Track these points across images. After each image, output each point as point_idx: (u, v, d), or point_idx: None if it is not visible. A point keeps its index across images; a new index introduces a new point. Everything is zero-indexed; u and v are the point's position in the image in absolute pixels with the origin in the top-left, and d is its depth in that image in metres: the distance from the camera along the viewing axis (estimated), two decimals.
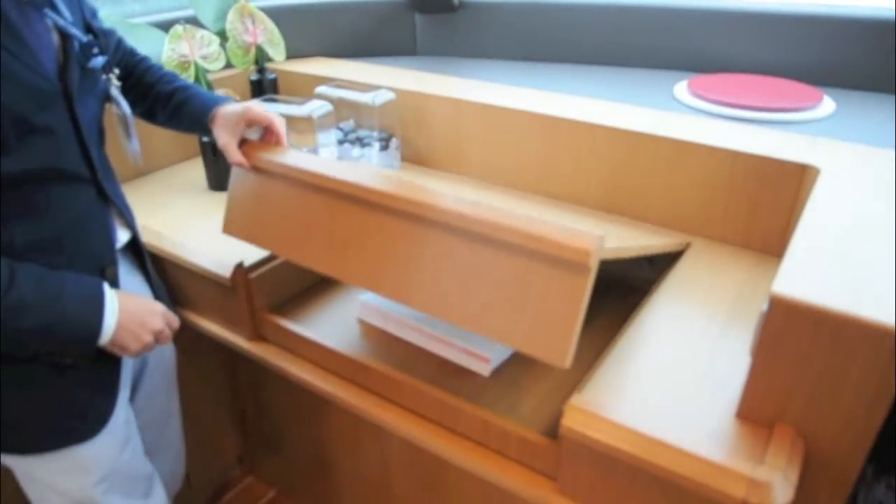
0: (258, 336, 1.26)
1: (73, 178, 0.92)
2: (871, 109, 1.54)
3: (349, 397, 1.13)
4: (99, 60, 0.95)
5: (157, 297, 1.15)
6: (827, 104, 1.54)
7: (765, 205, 1.20)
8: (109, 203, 1.01)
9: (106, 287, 0.95)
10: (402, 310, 1.20)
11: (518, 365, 1.12)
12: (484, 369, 1.10)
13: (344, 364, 1.14)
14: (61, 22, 0.89)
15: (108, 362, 1.00)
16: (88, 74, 0.94)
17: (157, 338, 1.02)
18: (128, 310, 0.96)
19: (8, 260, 0.85)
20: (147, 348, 1.00)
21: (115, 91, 1.02)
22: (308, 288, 1.34)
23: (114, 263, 1.01)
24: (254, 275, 1.21)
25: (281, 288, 1.29)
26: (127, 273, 1.07)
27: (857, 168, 1.11)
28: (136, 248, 1.11)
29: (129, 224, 1.08)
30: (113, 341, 0.95)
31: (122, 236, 1.06)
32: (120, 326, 0.95)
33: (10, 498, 1.36)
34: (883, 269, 0.80)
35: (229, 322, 1.26)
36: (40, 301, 0.86)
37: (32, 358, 0.93)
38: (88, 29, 0.96)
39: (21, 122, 0.82)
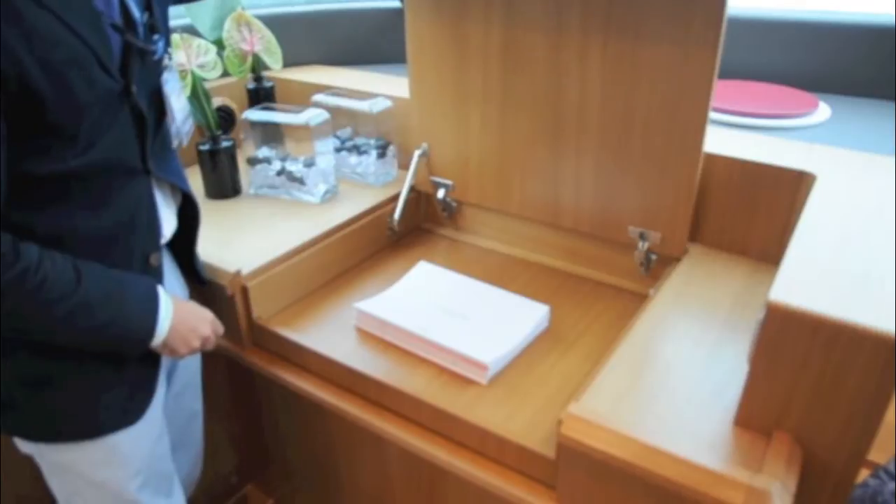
0: (255, 344, 1.26)
1: (130, 170, 0.95)
2: (866, 115, 1.54)
3: (346, 406, 1.13)
4: (160, 48, 0.97)
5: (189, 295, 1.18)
6: (822, 110, 1.55)
7: (761, 211, 1.20)
8: (161, 191, 1.03)
9: (161, 291, 0.98)
10: (397, 317, 1.20)
11: (516, 373, 1.12)
12: (482, 377, 1.10)
13: (340, 373, 1.14)
14: (132, 39, 0.90)
15: (151, 354, 1.02)
16: (148, 64, 0.96)
17: (204, 343, 1.05)
18: (180, 315, 1.00)
19: (73, 259, 0.87)
20: (193, 352, 1.04)
21: (167, 74, 1.02)
22: (306, 295, 1.34)
23: (158, 250, 1.02)
24: (251, 283, 1.21)
25: (278, 295, 1.29)
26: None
27: (853, 174, 1.11)
28: (173, 245, 1.12)
29: (190, 197, 1.10)
30: (164, 343, 0.98)
31: (167, 230, 1.06)
32: (172, 330, 0.98)
33: (8, 497, 1.36)
34: (879, 275, 0.81)
35: (226, 329, 1.26)
36: (102, 301, 0.89)
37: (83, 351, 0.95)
38: (147, 4, 0.96)
39: (94, 121, 0.85)
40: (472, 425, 1.01)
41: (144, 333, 0.95)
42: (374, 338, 1.22)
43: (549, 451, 0.94)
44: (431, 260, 1.40)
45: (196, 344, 1.03)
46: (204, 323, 1.05)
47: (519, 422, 1.02)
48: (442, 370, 1.13)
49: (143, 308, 0.95)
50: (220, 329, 1.10)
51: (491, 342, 1.14)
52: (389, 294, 1.29)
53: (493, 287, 1.30)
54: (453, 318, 1.21)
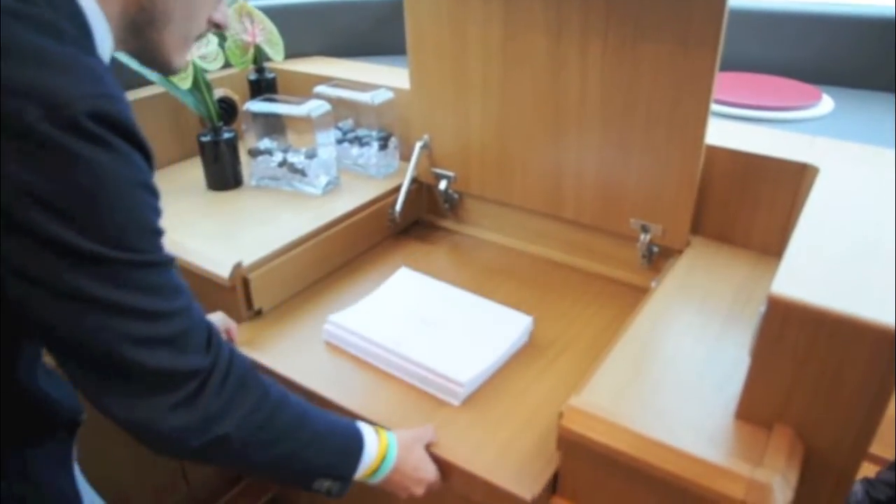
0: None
1: None
2: (869, 108, 1.54)
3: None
4: None
5: None
6: (825, 102, 1.54)
7: (764, 204, 1.20)
8: None
9: (367, 440, 0.88)
10: (370, 330, 1.15)
11: (490, 395, 1.06)
12: (454, 398, 1.05)
13: (304, 394, 1.06)
14: None
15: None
16: None
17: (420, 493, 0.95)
18: (399, 469, 0.91)
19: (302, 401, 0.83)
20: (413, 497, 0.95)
21: None
22: (307, 287, 1.34)
23: None
24: (252, 274, 1.21)
25: (279, 287, 1.29)
26: None
27: (856, 167, 1.11)
28: None
29: None
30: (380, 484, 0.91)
31: None
32: (386, 480, 0.90)
33: None
34: (882, 269, 0.80)
35: None
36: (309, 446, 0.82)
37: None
38: None
39: None
40: (435, 457, 0.95)
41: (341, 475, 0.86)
42: (345, 353, 1.17)
43: (522, 490, 0.88)
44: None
45: (416, 491, 0.93)
46: (418, 486, 0.93)
47: (491, 449, 0.96)
48: (411, 390, 1.08)
49: (342, 456, 0.86)
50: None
51: (467, 358, 1.08)
52: (365, 304, 1.24)
53: (475, 296, 1.25)
54: (430, 329, 1.16)
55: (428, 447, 0.95)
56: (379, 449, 0.88)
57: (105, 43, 0.69)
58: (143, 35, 0.73)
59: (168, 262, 0.68)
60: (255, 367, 0.79)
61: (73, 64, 0.60)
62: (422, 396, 1.07)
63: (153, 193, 0.66)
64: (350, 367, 1.14)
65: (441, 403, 1.05)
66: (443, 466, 0.95)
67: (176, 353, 0.68)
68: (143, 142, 0.64)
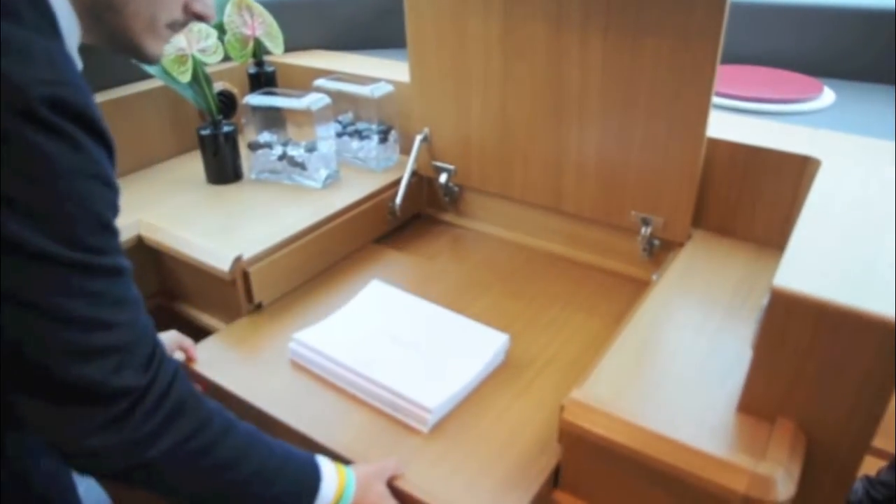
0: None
1: None
2: (870, 100, 1.53)
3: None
4: None
5: None
6: (827, 95, 1.54)
7: (765, 197, 1.20)
8: None
9: (324, 472, 0.83)
10: (334, 349, 1.09)
11: (462, 421, 1.00)
12: (423, 424, 0.98)
13: (266, 422, 1.02)
14: None
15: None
16: None
17: None
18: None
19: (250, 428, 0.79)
20: None
21: None
22: (307, 281, 1.34)
23: None
24: (252, 268, 1.21)
25: (279, 281, 1.28)
26: None
27: (858, 160, 1.11)
28: None
29: None
30: None
31: None
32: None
33: None
34: (885, 261, 0.80)
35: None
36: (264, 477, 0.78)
37: None
38: None
39: None
40: (398, 492, 0.89)
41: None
42: (311, 373, 1.11)
43: None
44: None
45: None
46: None
47: (460, 480, 0.90)
48: (379, 415, 1.01)
49: (294, 493, 0.80)
50: None
51: (437, 382, 1.01)
52: (333, 320, 1.18)
53: (449, 312, 1.19)
54: (400, 349, 1.10)
55: (392, 481, 0.89)
56: (337, 487, 0.82)
57: (72, 31, 0.66)
58: (103, 20, 0.69)
59: (119, 271, 0.64)
60: (213, 389, 0.74)
61: (29, 48, 0.56)
62: (389, 422, 1.00)
63: (111, 188, 0.62)
64: (314, 388, 1.07)
65: (409, 430, 0.99)
66: (406, 502, 0.89)
67: (110, 368, 0.63)
68: (104, 132, 0.61)
